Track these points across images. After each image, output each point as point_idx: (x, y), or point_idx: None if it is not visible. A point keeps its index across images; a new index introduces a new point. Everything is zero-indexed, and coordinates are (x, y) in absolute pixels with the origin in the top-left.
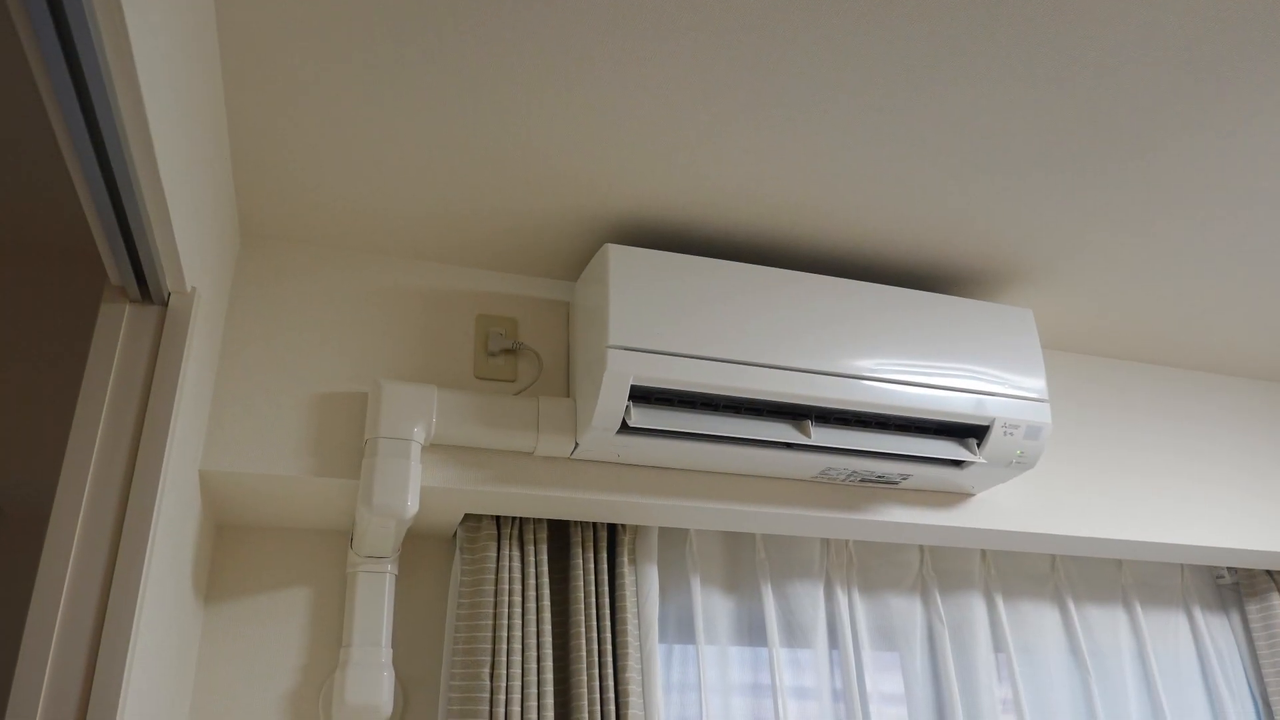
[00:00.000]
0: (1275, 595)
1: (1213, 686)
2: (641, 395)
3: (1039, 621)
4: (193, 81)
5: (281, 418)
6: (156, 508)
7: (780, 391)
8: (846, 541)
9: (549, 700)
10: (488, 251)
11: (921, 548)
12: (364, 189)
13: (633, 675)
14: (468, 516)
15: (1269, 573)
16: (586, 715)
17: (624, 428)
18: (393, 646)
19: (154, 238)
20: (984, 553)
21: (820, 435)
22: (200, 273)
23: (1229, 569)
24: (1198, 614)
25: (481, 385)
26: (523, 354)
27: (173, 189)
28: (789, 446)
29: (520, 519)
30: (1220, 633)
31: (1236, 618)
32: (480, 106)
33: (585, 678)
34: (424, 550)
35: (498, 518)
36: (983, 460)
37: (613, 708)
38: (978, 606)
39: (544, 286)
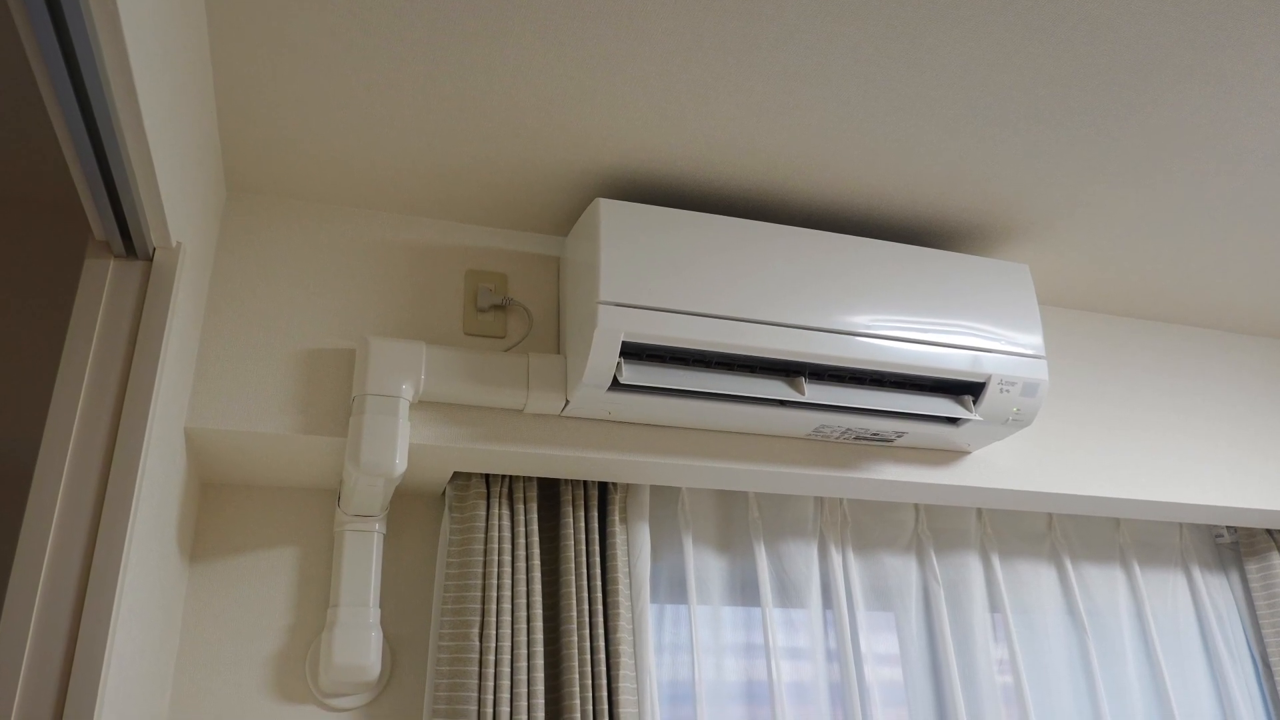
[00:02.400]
0: (1275, 554)
1: (1211, 646)
2: (633, 352)
3: (1036, 581)
4: (178, 32)
5: (268, 374)
6: (141, 465)
7: (774, 348)
8: (840, 500)
9: (539, 661)
10: (477, 206)
11: (917, 506)
12: (352, 142)
13: (624, 636)
14: (456, 475)
15: (1269, 531)
16: (577, 676)
17: (615, 385)
18: (380, 607)
19: (139, 192)
20: (980, 511)
21: (814, 392)
22: (185, 227)
23: (1228, 528)
24: (1196, 573)
25: (471, 342)
26: (513, 310)
27: (158, 143)
28: (782, 404)
29: (510, 477)
30: (1219, 592)
31: (1236, 577)
32: (470, 58)
33: (576, 639)
34: (412, 509)
35: (487, 476)
36: (979, 418)
37: (604, 668)
38: (974, 566)
39: (534, 241)
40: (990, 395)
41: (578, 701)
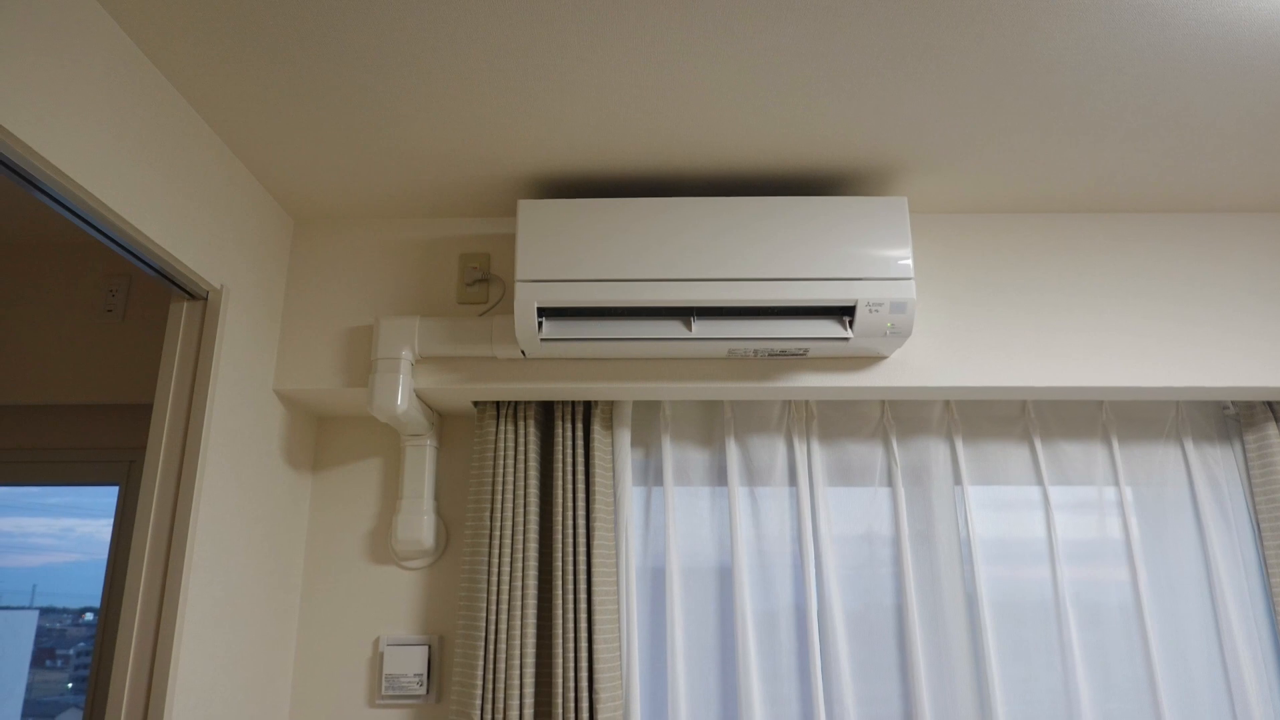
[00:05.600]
0: (1272, 426)
1: (1203, 513)
2: (554, 312)
3: (1004, 460)
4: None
5: (323, 347)
6: (205, 426)
7: (663, 298)
8: (805, 401)
9: (534, 528)
10: (467, 204)
11: (882, 403)
12: (368, 176)
13: (600, 513)
14: (476, 403)
15: (1269, 404)
16: (560, 537)
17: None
18: (438, 498)
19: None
20: (948, 403)
21: (701, 328)
22: (237, 268)
23: (1233, 402)
24: (1190, 446)
25: (460, 310)
26: (493, 282)
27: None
28: (680, 339)
29: (516, 402)
30: (1220, 463)
31: (1239, 448)
32: (437, 113)
33: (562, 519)
34: (461, 427)
35: (498, 403)
36: (852, 335)
37: (584, 538)
38: (939, 448)
39: (510, 225)
40: (860, 316)
41: (559, 549)
